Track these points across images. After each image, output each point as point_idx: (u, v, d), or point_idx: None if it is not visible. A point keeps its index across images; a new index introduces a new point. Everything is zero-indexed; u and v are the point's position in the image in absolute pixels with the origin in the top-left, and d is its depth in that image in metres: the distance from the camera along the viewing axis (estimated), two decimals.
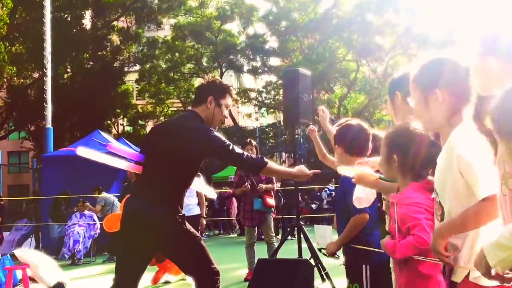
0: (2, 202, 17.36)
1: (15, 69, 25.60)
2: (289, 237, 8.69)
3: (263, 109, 39.70)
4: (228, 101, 4.30)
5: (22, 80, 28.79)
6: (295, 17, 33.21)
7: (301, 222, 7.77)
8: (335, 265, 4.01)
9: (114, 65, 31.16)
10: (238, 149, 4.09)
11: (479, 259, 1.82)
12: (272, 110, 38.85)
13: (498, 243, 1.74)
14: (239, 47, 33.60)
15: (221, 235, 20.97)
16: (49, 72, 16.35)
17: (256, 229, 8.87)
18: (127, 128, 36.00)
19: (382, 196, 3.32)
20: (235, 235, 20.01)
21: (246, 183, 8.63)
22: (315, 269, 6.74)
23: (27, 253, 9.11)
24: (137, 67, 33.84)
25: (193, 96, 4.54)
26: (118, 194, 12.10)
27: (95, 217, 12.81)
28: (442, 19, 31.53)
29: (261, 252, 8.44)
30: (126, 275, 4.04)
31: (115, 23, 31.90)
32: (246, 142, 8.72)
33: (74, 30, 28.71)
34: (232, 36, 33.70)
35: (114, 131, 32.79)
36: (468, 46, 2.01)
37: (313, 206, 23.18)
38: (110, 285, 4.09)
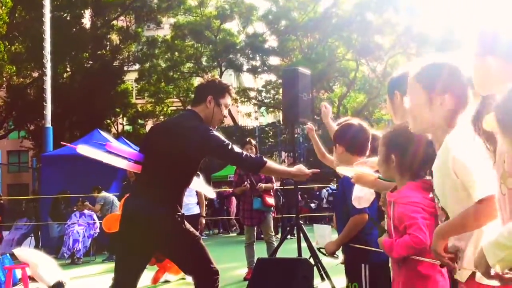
0: (2, 201, 17.38)
1: (14, 68, 25.57)
2: (289, 236, 8.72)
3: (263, 108, 39.74)
4: (228, 100, 4.30)
5: (21, 79, 28.77)
6: (294, 16, 33.21)
7: (300, 222, 7.76)
8: (335, 264, 4.01)
9: (114, 64, 31.15)
10: (237, 149, 4.09)
11: (478, 258, 1.82)
12: (271, 109, 38.89)
13: (497, 242, 1.74)
14: (239, 46, 33.59)
15: (221, 234, 20.97)
16: (48, 71, 16.34)
17: (255, 228, 8.87)
18: (127, 127, 36.01)
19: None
20: (235, 234, 20.01)
21: (246, 183, 8.63)
22: (315, 268, 6.74)
23: (27, 252, 9.12)
24: (137, 66, 33.83)
25: (192, 96, 4.55)
26: (118, 194, 12.10)
27: (94, 216, 12.80)
28: (442, 19, 31.51)
29: (260, 251, 8.44)
30: (125, 274, 4.04)
31: (114, 22, 31.89)
32: (245, 141, 8.72)
33: (74, 29, 28.69)
34: (231, 35, 33.70)
35: (113, 130, 32.78)
36: (467, 46, 2.01)
37: (312, 205, 23.19)
38: (109, 284, 4.10)
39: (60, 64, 26.86)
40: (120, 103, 31.52)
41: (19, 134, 34.77)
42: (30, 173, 28.81)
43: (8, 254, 9.24)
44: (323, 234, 4.01)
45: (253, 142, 8.78)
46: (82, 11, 29.73)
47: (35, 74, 27.83)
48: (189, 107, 4.42)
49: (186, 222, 4.04)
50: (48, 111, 15.93)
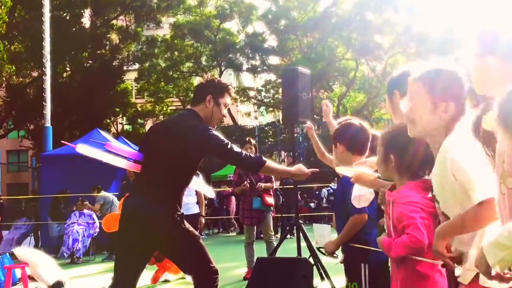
0: (2, 201, 17.36)
1: (14, 68, 25.56)
2: (288, 236, 8.72)
3: (262, 107, 39.75)
4: (227, 100, 4.30)
5: (21, 79, 28.76)
6: (294, 16, 33.21)
7: (300, 221, 7.76)
8: (334, 263, 4.01)
9: (113, 63, 31.15)
10: (236, 148, 4.09)
11: (479, 258, 1.82)
12: (271, 108, 38.90)
13: (497, 242, 1.74)
14: (238, 45, 33.59)
15: (220, 233, 20.97)
16: (48, 70, 16.34)
17: (255, 228, 8.87)
18: (126, 127, 36.01)
19: None
20: (234, 234, 20.01)
21: (245, 182, 8.63)
22: (314, 267, 6.74)
23: (26, 251, 9.12)
24: (136, 66, 33.83)
25: (192, 95, 4.54)
26: (117, 193, 12.10)
27: (94, 216, 12.81)
28: (442, 18, 31.56)
29: (260, 251, 8.44)
30: (125, 274, 4.05)
31: (114, 21, 31.89)
32: (245, 141, 8.72)
33: (73, 29, 28.68)
34: (231, 35, 33.71)
35: (113, 129, 32.79)
36: (467, 46, 2.01)
37: (312, 205, 23.19)
38: (109, 284, 4.09)
39: (60, 63, 26.85)
40: (120, 103, 31.52)
41: (19, 133, 34.79)
42: (29, 172, 28.79)
43: (7, 254, 9.24)
44: (323, 234, 4.01)
45: (253, 141, 8.78)
46: (82, 11, 29.72)
47: (35, 74, 27.83)
48: (188, 107, 4.43)
49: (185, 222, 4.05)
50: (47, 111, 15.93)
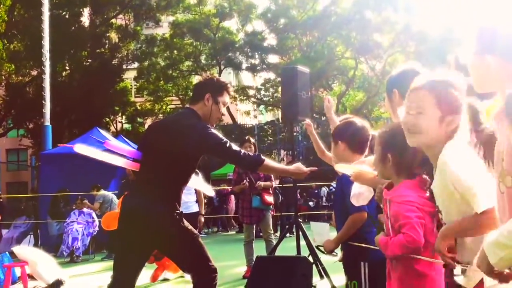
0: (1, 200, 17.35)
1: (13, 67, 25.55)
2: (288, 235, 8.70)
3: (262, 106, 39.75)
4: (226, 98, 4.30)
5: (20, 78, 28.76)
6: (293, 15, 33.21)
7: (299, 220, 7.77)
8: (333, 262, 4.02)
9: (113, 62, 31.15)
10: (235, 147, 4.08)
11: (480, 258, 1.82)
12: (270, 107, 38.88)
13: (497, 241, 1.74)
14: (238, 44, 33.59)
15: (220, 232, 20.98)
16: (47, 69, 16.32)
17: (254, 227, 8.88)
18: (126, 126, 36.01)
19: None
20: (234, 232, 20.02)
21: (245, 181, 8.63)
22: (314, 266, 6.74)
23: (26, 250, 9.13)
24: (136, 65, 33.82)
25: (191, 94, 4.53)
26: (117, 192, 12.10)
27: (93, 214, 12.81)
28: (441, 17, 31.57)
29: (259, 249, 8.45)
30: (124, 272, 4.05)
31: (113, 20, 31.87)
32: (244, 140, 8.72)
33: (73, 28, 28.67)
34: (230, 34, 33.70)
35: (112, 128, 32.79)
36: (466, 44, 2.01)
37: (311, 203, 23.21)
38: (108, 282, 4.09)
39: (59, 62, 26.82)
40: (119, 102, 31.51)
41: (18, 132, 34.78)
42: (29, 171, 28.75)
43: (7, 252, 9.24)
44: (321, 232, 4.01)
45: (252, 140, 8.78)
46: (81, 9, 29.71)
47: (34, 73, 27.82)
48: (187, 105, 4.43)
49: (184, 220, 4.05)
50: (47, 110, 15.92)
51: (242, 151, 4.12)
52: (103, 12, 31.02)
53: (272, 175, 8.70)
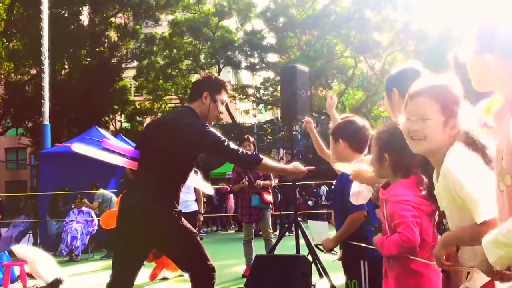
0: (0, 199, 17.36)
1: (12, 65, 25.53)
2: (287, 233, 8.71)
3: (261, 105, 39.75)
4: (224, 96, 4.29)
5: (19, 77, 28.73)
6: (293, 14, 33.18)
7: (298, 219, 7.77)
8: (332, 261, 4.02)
9: (112, 61, 31.12)
10: (233, 145, 4.07)
11: (479, 257, 1.82)
12: (270, 106, 38.87)
13: (496, 240, 1.74)
14: (237, 43, 33.58)
15: (219, 231, 20.98)
16: (46, 68, 16.30)
17: (254, 226, 8.88)
18: (125, 125, 35.98)
19: None
20: (233, 231, 20.03)
21: (244, 180, 8.63)
22: (313, 265, 6.75)
23: (25, 249, 9.13)
24: (135, 64, 33.79)
25: (189, 92, 4.53)
26: (116, 190, 12.10)
27: (92, 213, 12.81)
28: (440, 16, 31.56)
29: (259, 248, 8.45)
30: (122, 271, 4.05)
31: (112, 19, 31.84)
32: (244, 139, 8.73)
33: (72, 27, 28.62)
34: (229, 33, 33.68)
35: (111, 127, 32.77)
36: (465, 43, 2.01)
37: (310, 202, 23.21)
38: (107, 281, 4.09)
39: (58, 61, 26.81)
40: (118, 100, 31.49)
41: (17, 131, 34.74)
42: (28, 170, 28.73)
43: (6, 252, 9.24)
44: (320, 231, 4.01)
45: (251, 139, 8.79)
46: (80, 8, 29.68)
47: (33, 71, 27.80)
48: (186, 104, 4.43)
49: (183, 219, 4.05)
50: (46, 108, 15.90)
51: (240, 149, 4.11)
52: (102, 10, 30.99)
53: (271, 174, 8.70)
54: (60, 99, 24.47)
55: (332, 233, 3.83)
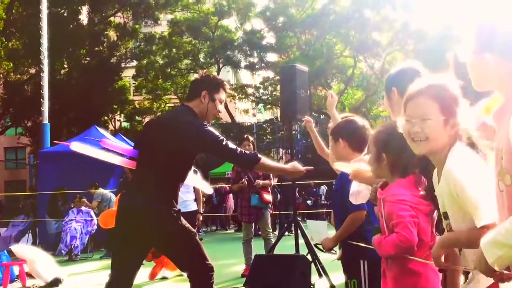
0: None
1: (11, 65, 25.54)
2: (286, 233, 8.71)
3: (260, 105, 39.75)
4: (222, 95, 4.29)
5: (18, 76, 28.73)
6: (292, 13, 33.17)
7: (298, 218, 7.77)
8: (331, 260, 4.01)
9: (111, 60, 31.10)
10: (231, 145, 4.07)
11: (478, 257, 1.82)
12: (269, 106, 38.86)
13: (495, 240, 1.74)
14: (236, 43, 33.57)
15: (218, 231, 20.98)
16: (45, 67, 16.30)
17: (253, 225, 8.87)
18: (124, 124, 35.97)
19: None
20: (232, 231, 20.03)
21: (244, 179, 8.63)
22: (312, 264, 6.75)
23: (24, 249, 9.14)
24: (134, 63, 33.77)
25: (188, 91, 4.53)
26: (115, 190, 12.10)
27: (92, 213, 12.80)
28: (439, 15, 31.53)
29: (258, 248, 8.45)
30: (121, 270, 4.04)
31: (112, 18, 31.82)
32: (243, 138, 8.73)
33: (71, 26, 28.61)
34: (229, 32, 33.67)
35: (111, 127, 32.77)
36: (465, 42, 2.00)
37: (309, 202, 23.22)
38: (106, 281, 4.09)
39: (58, 60, 26.80)
40: (118, 100, 31.48)
41: (16, 130, 34.72)
42: (27, 169, 28.77)
43: (5, 251, 9.24)
44: (319, 230, 4.01)
45: (251, 138, 8.79)
46: (79, 7, 29.66)
47: (32, 71, 27.80)
48: (184, 103, 4.42)
49: (182, 218, 4.04)
50: (45, 108, 15.90)
51: (239, 149, 4.11)
52: (102, 10, 30.96)
53: (270, 174, 8.70)
54: (60, 99, 24.46)
55: (331, 232, 3.83)
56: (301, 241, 7.42)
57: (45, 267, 8.38)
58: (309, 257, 6.80)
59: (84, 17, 30.97)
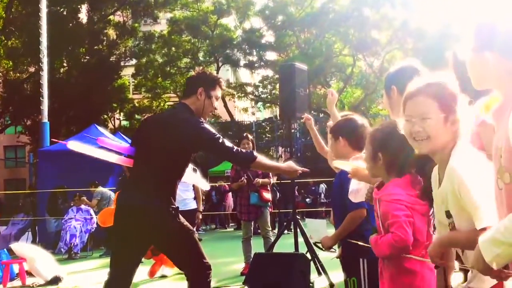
0: None
1: (11, 63, 25.52)
2: (286, 231, 8.72)
3: (260, 103, 39.71)
4: (218, 92, 4.29)
5: (18, 74, 28.71)
6: (291, 12, 33.15)
7: (297, 216, 7.78)
8: (330, 258, 4.02)
9: (111, 59, 31.06)
10: (228, 143, 4.08)
11: (476, 256, 1.82)
12: (268, 104, 38.84)
13: (493, 238, 1.74)
14: (236, 41, 33.54)
15: (218, 229, 20.99)
16: (45, 66, 16.29)
17: (252, 223, 8.88)
18: (124, 123, 35.95)
19: None
20: (232, 229, 20.03)
21: (243, 178, 8.63)
22: (312, 263, 6.76)
23: (24, 247, 9.14)
24: (134, 62, 33.75)
25: (184, 88, 4.53)
26: (114, 188, 12.10)
27: (91, 211, 12.81)
28: (439, 13, 31.50)
29: (257, 246, 8.45)
30: (120, 268, 4.05)
31: (111, 17, 31.79)
32: (242, 137, 8.73)
33: (70, 24, 28.58)
34: (228, 31, 33.64)
35: (110, 125, 32.74)
36: (464, 41, 2.01)
37: (308, 200, 23.24)
38: (105, 279, 4.09)
39: (57, 59, 26.78)
40: (117, 98, 31.45)
41: (16, 129, 34.71)
42: (27, 168, 28.80)
43: (5, 249, 9.24)
44: (318, 229, 4.01)
45: (250, 137, 8.78)
46: (79, 6, 29.62)
47: (32, 69, 27.77)
48: (181, 100, 4.43)
49: (180, 216, 4.05)
50: (45, 106, 15.89)
51: (235, 147, 4.12)
52: (101, 8, 30.93)
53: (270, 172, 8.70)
54: (59, 97, 24.42)
55: (330, 231, 3.84)
56: (301, 239, 7.43)
57: (44, 265, 8.39)
58: (308, 255, 6.81)
59: (83, 16, 30.94)
